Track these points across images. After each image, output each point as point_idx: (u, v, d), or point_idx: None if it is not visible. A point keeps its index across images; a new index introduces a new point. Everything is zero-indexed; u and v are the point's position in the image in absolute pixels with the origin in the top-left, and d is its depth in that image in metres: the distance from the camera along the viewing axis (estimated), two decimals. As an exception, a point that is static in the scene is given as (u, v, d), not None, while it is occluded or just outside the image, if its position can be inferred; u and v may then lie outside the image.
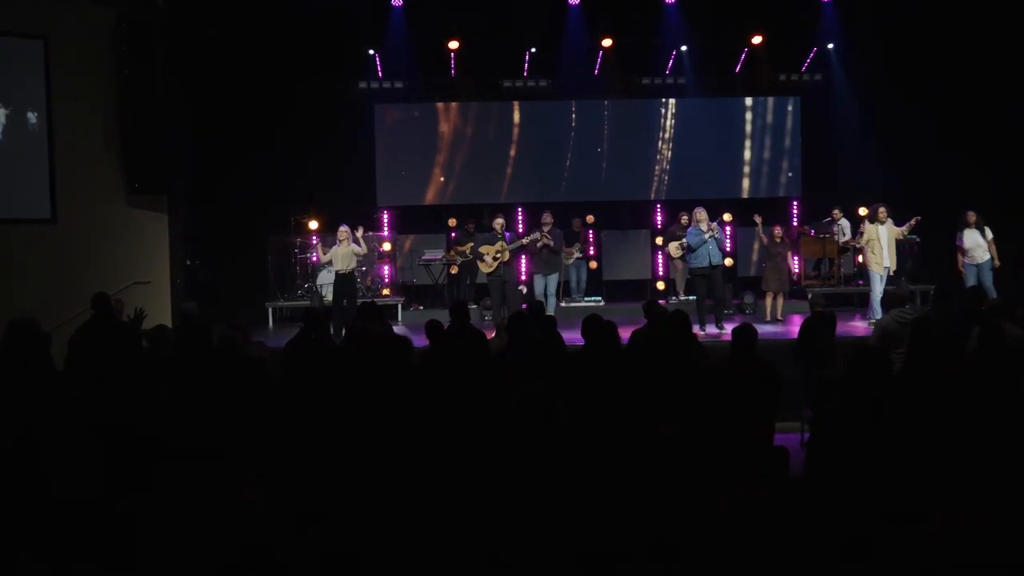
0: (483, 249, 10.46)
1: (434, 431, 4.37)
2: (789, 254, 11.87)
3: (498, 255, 10.34)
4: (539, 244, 10.71)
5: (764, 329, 10.48)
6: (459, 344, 6.38)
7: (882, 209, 10.67)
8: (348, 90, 13.65)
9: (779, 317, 11.43)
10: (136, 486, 3.64)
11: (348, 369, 5.65)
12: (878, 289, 10.34)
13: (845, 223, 12.94)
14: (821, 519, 3.22)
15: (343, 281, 10.64)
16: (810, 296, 8.54)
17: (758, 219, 11.93)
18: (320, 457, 4.09)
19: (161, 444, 4.03)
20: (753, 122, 14.34)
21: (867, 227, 10.83)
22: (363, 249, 10.76)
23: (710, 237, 10.17)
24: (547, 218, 11.12)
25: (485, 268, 10.49)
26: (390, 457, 4.07)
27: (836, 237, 12.81)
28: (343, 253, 10.62)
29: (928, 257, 12.63)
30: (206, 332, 6.11)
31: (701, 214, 10.36)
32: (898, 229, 10.55)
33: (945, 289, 11.82)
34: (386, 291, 13.16)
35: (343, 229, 10.68)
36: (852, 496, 3.53)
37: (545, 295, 10.85)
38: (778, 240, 11.68)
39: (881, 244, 10.44)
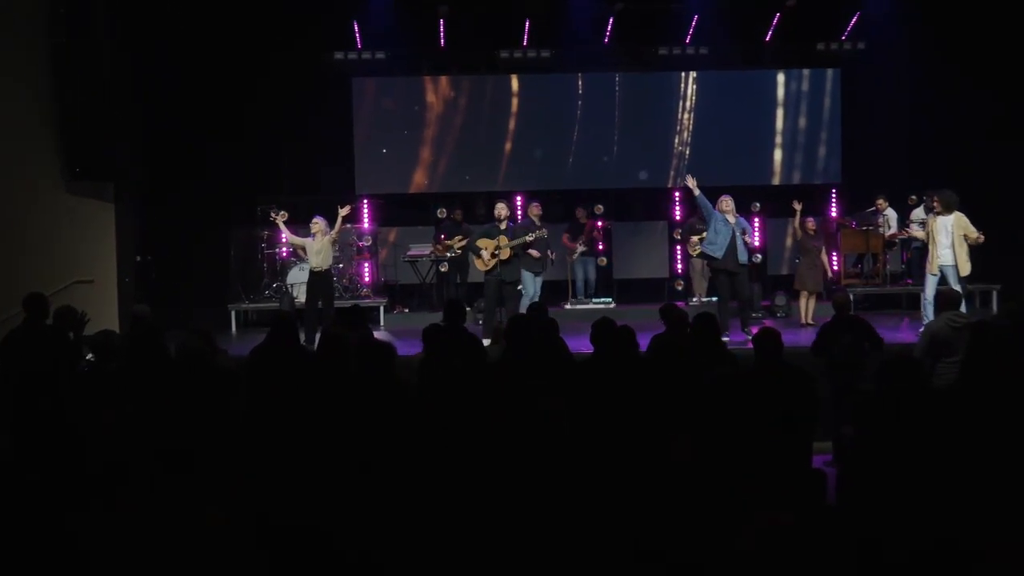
0: (481, 243, 10.36)
1: (422, 451, 4.41)
2: (824, 249, 11.87)
3: (497, 252, 10.24)
4: (552, 254, 10.65)
5: (798, 334, 10.57)
6: (454, 348, 6.37)
7: (937, 199, 10.39)
8: (322, 62, 13.64)
9: (811, 320, 11.41)
10: (78, 518, 3.64)
11: (323, 381, 5.65)
12: (929, 292, 10.10)
13: (891, 213, 12.94)
14: (860, 553, 3.22)
15: (318, 280, 10.56)
16: (834, 297, 8.51)
17: (797, 206, 11.89)
18: (293, 480, 4.13)
19: (103, 473, 4.03)
20: (786, 98, 14.34)
21: (927, 217, 10.70)
22: (334, 232, 10.61)
23: (737, 231, 10.09)
24: (536, 210, 10.92)
25: (481, 265, 10.36)
26: (370, 482, 4.11)
27: (881, 229, 12.81)
28: (318, 248, 10.53)
29: (991, 253, 12.57)
30: (159, 340, 6.11)
31: (727, 204, 10.22)
32: (973, 229, 9.87)
33: (1011, 290, 11.80)
34: (366, 291, 13.16)
35: (317, 221, 10.62)
36: (895, 527, 3.53)
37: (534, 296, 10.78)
38: (811, 233, 11.68)
39: (939, 239, 10.18)
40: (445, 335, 6.51)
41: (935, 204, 10.11)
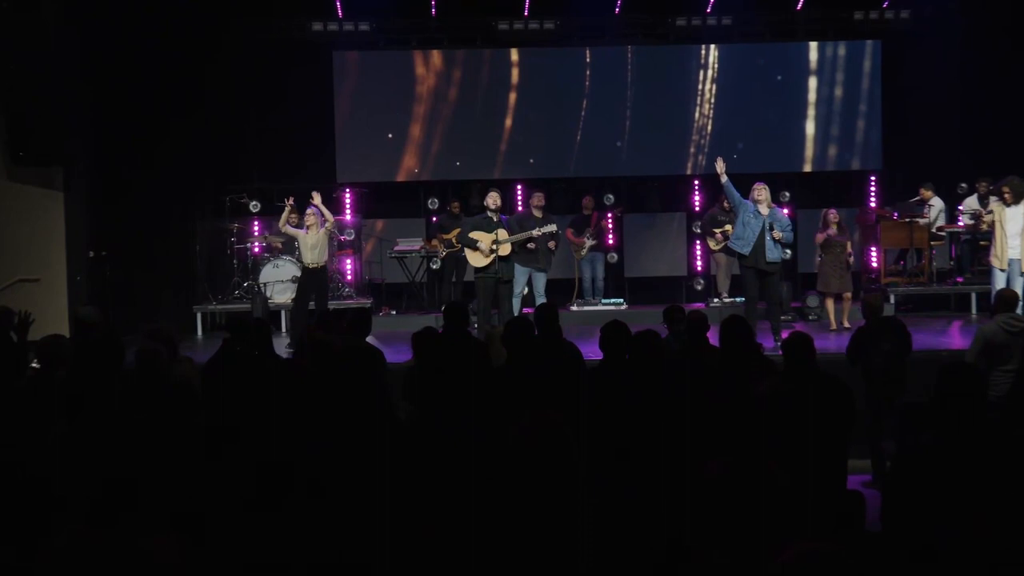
0: (476, 235, 10.27)
1: (413, 475, 4.43)
2: (848, 243, 11.80)
3: (495, 246, 10.16)
4: (552, 244, 10.58)
5: (829, 339, 10.55)
6: (455, 355, 6.33)
7: (1008, 187, 10.30)
8: (299, 33, 13.63)
9: (846, 324, 11.39)
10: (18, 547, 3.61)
11: (299, 394, 5.66)
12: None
13: (938, 203, 12.92)
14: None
15: (312, 278, 10.65)
16: (863, 297, 8.47)
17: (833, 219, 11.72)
18: (258, 507, 4.12)
19: (49, 494, 3.99)
20: (819, 74, 14.32)
21: (994, 206, 10.66)
22: (329, 223, 10.74)
23: (766, 225, 9.97)
24: (537, 200, 10.78)
25: (478, 261, 10.22)
26: (350, 514, 4.13)
27: (926, 221, 12.79)
28: (313, 243, 10.60)
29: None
30: (114, 346, 6.06)
31: (761, 192, 10.00)
32: None
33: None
34: (348, 291, 13.18)
35: (312, 212, 10.70)
36: (945, 558, 3.50)
37: (529, 295, 10.78)
38: (833, 226, 11.62)
39: (1007, 231, 10.18)
40: (443, 341, 6.45)
41: (1005, 193, 10.17)
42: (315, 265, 10.63)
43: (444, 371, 5.91)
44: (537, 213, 10.62)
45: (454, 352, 6.33)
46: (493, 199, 10.38)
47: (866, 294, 9.11)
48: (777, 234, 9.87)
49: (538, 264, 10.50)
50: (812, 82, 14.31)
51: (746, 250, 9.91)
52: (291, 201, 11.02)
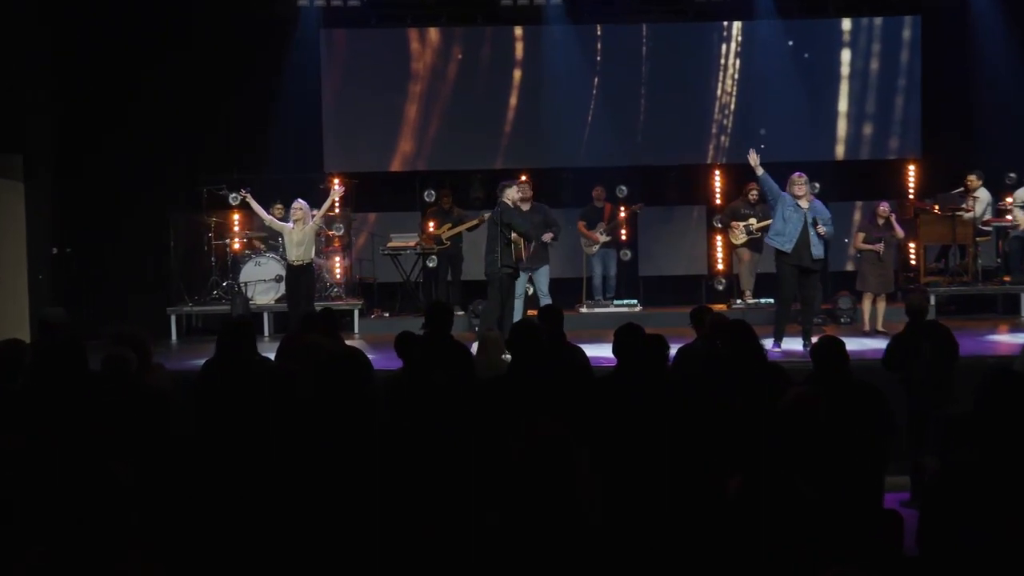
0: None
1: (401, 494, 4.42)
2: (894, 240, 11.79)
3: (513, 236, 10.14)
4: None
5: (863, 344, 10.49)
6: (437, 362, 6.36)
7: None
8: (283, 9, 13.63)
9: (880, 328, 11.37)
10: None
11: (287, 401, 5.64)
12: None
13: (984, 195, 12.86)
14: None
15: (298, 277, 10.71)
16: (907, 298, 8.42)
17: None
18: (247, 531, 4.15)
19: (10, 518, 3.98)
20: (853, 53, 14.28)
21: None
22: (318, 218, 10.85)
23: (808, 218, 9.91)
24: (523, 189, 10.71)
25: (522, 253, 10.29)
26: (344, 535, 4.14)
27: (971, 215, 12.74)
28: (299, 239, 10.65)
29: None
30: (79, 352, 5.88)
31: (800, 186, 10.01)
32: None
33: None
34: (337, 291, 13.19)
35: (298, 206, 10.75)
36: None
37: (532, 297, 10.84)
38: (881, 221, 11.60)
39: None
40: (421, 344, 6.51)
41: None
42: (300, 262, 10.68)
43: (426, 379, 5.92)
44: (524, 206, 10.69)
45: (436, 358, 6.35)
46: (523, 190, 10.55)
47: (910, 295, 9.04)
48: (822, 229, 9.92)
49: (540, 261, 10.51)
50: (845, 56, 14.25)
51: (788, 247, 9.93)
52: (243, 193, 11.00)
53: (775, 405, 5.23)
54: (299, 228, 10.67)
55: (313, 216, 10.75)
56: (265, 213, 11.14)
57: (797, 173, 10.17)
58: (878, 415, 5.37)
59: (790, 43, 14.23)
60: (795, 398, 4.99)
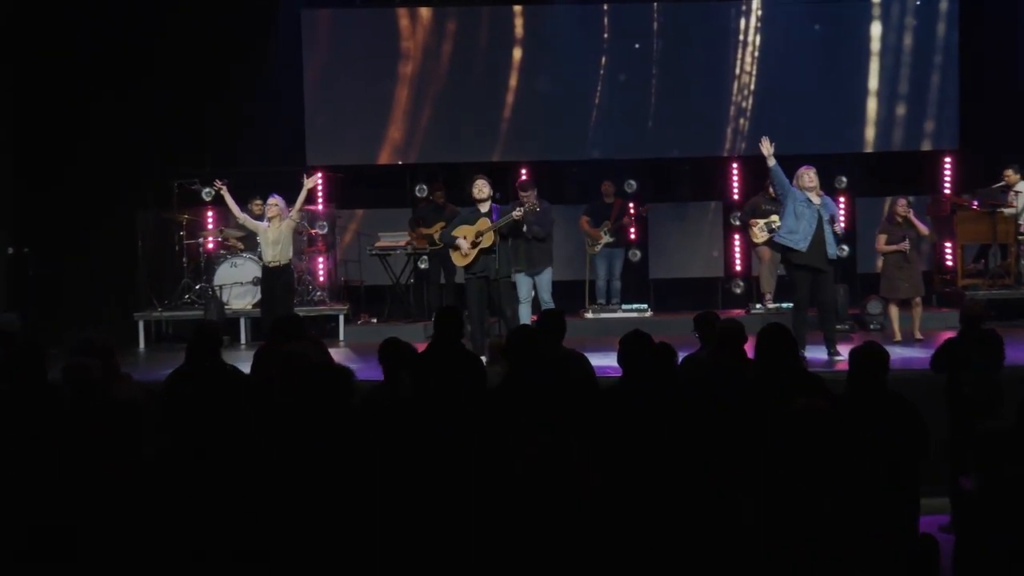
0: (459, 231, 10.31)
1: (395, 515, 4.59)
2: (918, 238, 11.71)
3: (479, 240, 10.17)
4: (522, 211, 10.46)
5: (894, 353, 10.34)
6: (448, 374, 6.42)
7: None
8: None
9: (918, 335, 11.30)
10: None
11: (263, 415, 5.74)
12: None
13: (1027, 188, 12.82)
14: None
15: (274, 279, 10.68)
16: (964, 303, 8.37)
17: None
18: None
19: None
20: (884, 34, 14.21)
21: None
22: (294, 214, 10.77)
23: (823, 215, 9.90)
24: (526, 191, 10.54)
25: (460, 260, 10.41)
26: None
27: (1012, 212, 12.66)
28: (275, 237, 10.61)
29: None
30: (37, 360, 6.04)
31: (809, 179, 10.04)
32: None
33: None
34: (320, 295, 13.15)
35: (273, 201, 10.70)
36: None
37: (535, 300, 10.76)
38: (900, 219, 11.49)
39: None
40: (430, 354, 6.52)
41: None
42: (275, 263, 10.62)
43: (433, 392, 5.99)
44: (526, 199, 10.63)
45: (445, 369, 6.39)
46: (480, 188, 10.35)
47: (966, 301, 8.96)
48: (838, 226, 9.95)
49: (519, 266, 10.44)
50: (875, 30, 14.16)
51: (802, 245, 9.94)
52: (219, 185, 10.96)
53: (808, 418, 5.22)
54: (275, 226, 10.60)
55: (288, 215, 10.63)
56: (239, 210, 11.09)
57: (806, 166, 10.19)
58: (914, 430, 5.39)
59: (816, 22, 14.17)
60: (802, 409, 4.94)
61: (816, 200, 9.98)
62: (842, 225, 10.04)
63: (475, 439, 5.38)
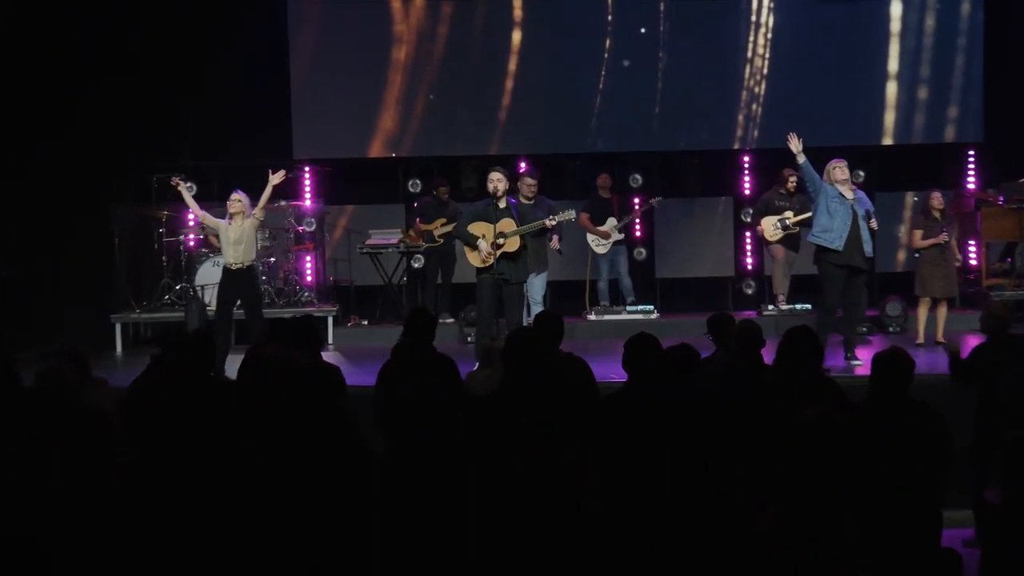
0: (475, 228, 10.11)
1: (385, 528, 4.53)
2: (955, 237, 11.72)
3: (501, 242, 9.97)
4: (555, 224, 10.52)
5: (916, 357, 10.33)
6: (417, 374, 6.23)
7: None
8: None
9: (940, 339, 11.27)
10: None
11: (243, 423, 5.72)
12: None
13: (1055, 185, 12.83)
14: None
15: (235, 281, 10.51)
16: (985, 306, 8.31)
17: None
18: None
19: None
20: (904, 25, 14.22)
21: None
22: (258, 211, 10.63)
23: (857, 210, 9.91)
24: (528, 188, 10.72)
25: (478, 260, 10.15)
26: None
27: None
28: (236, 236, 10.45)
29: None
30: (8, 365, 6.07)
31: (840, 171, 10.05)
32: None
33: None
34: (308, 296, 13.19)
35: (237, 198, 10.54)
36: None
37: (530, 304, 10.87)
38: (936, 213, 11.46)
39: None
40: (399, 355, 6.80)
41: None
42: (238, 265, 10.43)
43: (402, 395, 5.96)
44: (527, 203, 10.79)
45: (415, 370, 6.47)
46: (496, 183, 10.13)
47: (993, 304, 8.87)
48: (874, 223, 10.04)
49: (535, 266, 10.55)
50: (895, 10, 14.15)
51: (838, 244, 9.98)
52: (175, 181, 10.90)
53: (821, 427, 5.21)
54: (237, 224, 10.36)
55: (251, 213, 10.45)
56: (199, 208, 10.88)
57: (836, 159, 10.21)
58: (937, 439, 5.41)
59: (833, 15, 14.16)
60: (812, 420, 4.91)
61: (849, 195, 10.03)
62: (873, 223, 10.00)
63: (468, 442, 5.33)
